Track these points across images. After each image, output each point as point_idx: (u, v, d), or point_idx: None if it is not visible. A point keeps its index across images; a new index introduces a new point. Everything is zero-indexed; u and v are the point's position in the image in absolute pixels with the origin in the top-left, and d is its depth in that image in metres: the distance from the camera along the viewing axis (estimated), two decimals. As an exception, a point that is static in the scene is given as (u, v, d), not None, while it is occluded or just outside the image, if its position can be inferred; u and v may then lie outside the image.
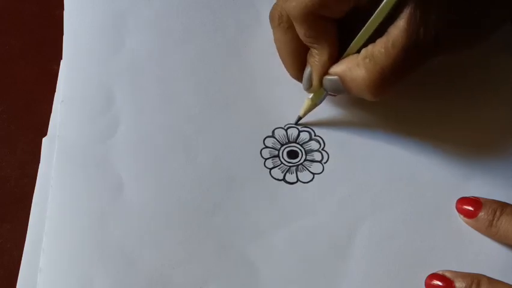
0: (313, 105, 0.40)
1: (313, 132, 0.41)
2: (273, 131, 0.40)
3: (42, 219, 0.37)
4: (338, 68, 0.37)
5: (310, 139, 0.40)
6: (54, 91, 0.42)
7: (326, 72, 0.38)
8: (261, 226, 0.37)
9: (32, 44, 0.45)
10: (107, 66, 0.42)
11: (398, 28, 0.34)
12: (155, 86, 0.42)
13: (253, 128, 0.40)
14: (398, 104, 0.41)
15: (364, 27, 0.36)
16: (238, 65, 0.42)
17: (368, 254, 0.36)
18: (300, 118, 0.40)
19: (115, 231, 0.36)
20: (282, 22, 0.38)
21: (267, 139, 0.40)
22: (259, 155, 0.40)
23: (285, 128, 0.41)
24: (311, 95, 0.39)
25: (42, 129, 0.41)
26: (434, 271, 0.35)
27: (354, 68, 0.36)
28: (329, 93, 0.39)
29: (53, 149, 0.39)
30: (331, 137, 0.40)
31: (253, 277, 0.36)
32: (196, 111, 0.41)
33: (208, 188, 0.38)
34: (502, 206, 0.36)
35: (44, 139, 0.40)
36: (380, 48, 0.35)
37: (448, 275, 0.35)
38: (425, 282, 0.35)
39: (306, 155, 0.40)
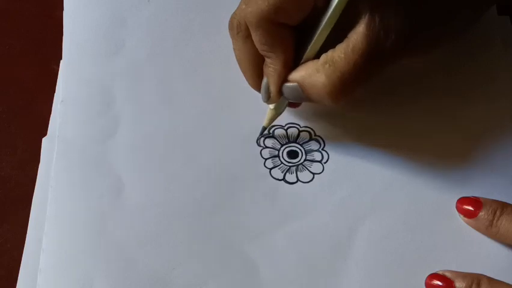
0: (277, 114, 0.39)
1: (313, 132, 0.41)
2: (273, 131, 0.40)
3: (42, 219, 0.37)
4: (296, 75, 0.36)
5: (310, 139, 0.40)
6: (54, 91, 0.42)
7: (282, 81, 0.37)
8: (261, 226, 0.37)
9: (32, 44, 0.45)
10: (107, 66, 0.42)
11: (358, 33, 0.34)
12: (155, 86, 0.42)
13: (253, 128, 0.40)
14: (397, 104, 0.41)
15: (318, 32, 0.35)
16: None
17: (368, 254, 0.36)
18: (264, 129, 0.40)
19: (115, 231, 0.36)
20: (240, 31, 0.37)
21: (267, 139, 0.40)
22: (259, 155, 0.40)
23: (285, 127, 0.41)
24: (273, 106, 0.39)
25: (42, 129, 0.41)
26: (434, 271, 0.35)
27: (313, 73, 0.35)
28: (289, 101, 0.39)
29: (53, 149, 0.39)
30: (331, 137, 0.40)
31: (253, 277, 0.36)
32: (196, 111, 0.41)
33: (208, 188, 0.38)
34: (502, 206, 0.36)
35: (44, 139, 0.40)
36: (340, 54, 0.34)
37: (448, 275, 0.35)
38: (425, 282, 0.35)
39: (306, 155, 0.40)
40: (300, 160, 0.40)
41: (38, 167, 0.39)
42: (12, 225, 0.38)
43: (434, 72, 0.42)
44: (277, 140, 0.40)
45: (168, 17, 0.44)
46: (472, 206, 0.37)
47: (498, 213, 0.36)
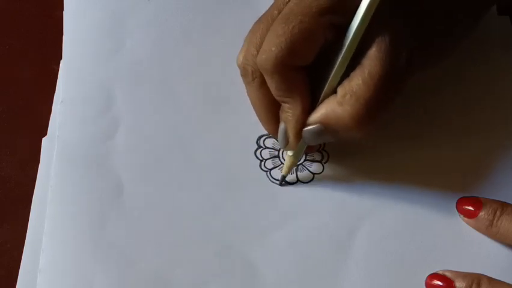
0: (296, 160, 0.38)
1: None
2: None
3: (42, 219, 0.37)
4: (317, 115, 0.35)
5: (305, 159, 0.40)
6: (54, 91, 0.42)
7: (301, 126, 0.36)
8: (261, 226, 0.37)
9: (32, 44, 0.45)
10: (107, 66, 0.42)
11: (371, 58, 0.33)
12: (155, 86, 0.42)
13: (253, 128, 0.40)
14: (397, 104, 0.41)
15: (335, 68, 0.34)
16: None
17: (368, 254, 0.36)
18: (284, 177, 0.39)
19: (115, 231, 0.36)
20: (256, 77, 0.36)
21: (267, 140, 0.40)
22: (260, 155, 0.40)
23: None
24: (291, 152, 0.38)
25: (42, 129, 0.41)
26: (434, 271, 0.35)
27: (336, 108, 0.34)
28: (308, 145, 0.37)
29: (53, 149, 0.39)
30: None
31: (253, 277, 0.36)
32: (196, 112, 0.41)
33: (208, 188, 0.38)
34: (502, 206, 0.36)
35: (44, 139, 0.40)
36: (358, 82, 0.33)
37: (448, 274, 0.35)
38: (425, 282, 0.35)
39: (306, 155, 0.40)
40: (300, 160, 0.40)
41: (38, 167, 0.39)
42: (12, 225, 0.38)
43: (433, 73, 0.42)
44: (277, 140, 0.40)
45: (168, 17, 0.44)
46: (472, 206, 0.37)
47: (498, 213, 0.36)
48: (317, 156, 0.40)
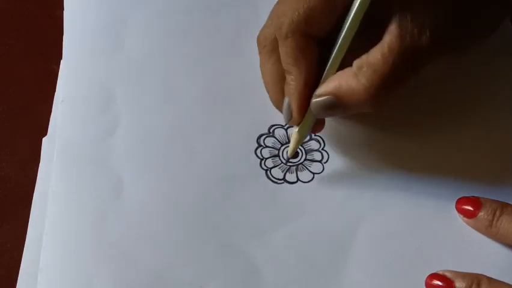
0: (302, 137, 0.38)
1: (314, 132, 0.41)
2: (273, 131, 0.40)
3: (42, 219, 0.37)
4: (329, 86, 0.35)
5: (311, 139, 0.40)
6: (54, 91, 0.42)
7: (304, 98, 0.36)
8: (261, 226, 0.37)
9: (32, 44, 0.45)
10: (107, 66, 0.42)
11: (391, 33, 0.33)
12: (155, 85, 0.42)
13: (253, 127, 0.40)
14: (398, 104, 0.41)
15: (340, 38, 0.34)
16: (238, 64, 0.42)
17: (368, 254, 0.36)
18: (293, 154, 0.39)
19: (115, 231, 0.36)
20: (266, 45, 0.37)
21: (267, 138, 0.40)
22: (260, 154, 0.40)
23: (285, 127, 0.41)
24: (297, 128, 0.37)
25: (42, 129, 0.41)
26: (434, 271, 0.35)
27: (350, 80, 0.34)
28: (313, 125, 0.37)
29: (53, 149, 0.39)
30: (331, 137, 0.40)
31: (253, 277, 0.36)
32: (196, 111, 0.41)
33: (208, 188, 0.38)
34: (502, 206, 0.36)
35: (44, 139, 0.40)
36: (377, 55, 0.34)
37: (448, 275, 0.35)
38: (425, 282, 0.35)
39: (306, 155, 0.40)
40: (300, 160, 0.40)
41: (38, 167, 0.39)
42: (12, 225, 0.38)
43: (433, 73, 0.42)
44: (277, 140, 0.40)
45: (168, 17, 0.44)
46: (471, 206, 0.37)
47: (498, 213, 0.36)
48: (317, 156, 0.40)
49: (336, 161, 0.39)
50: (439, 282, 0.35)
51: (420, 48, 0.34)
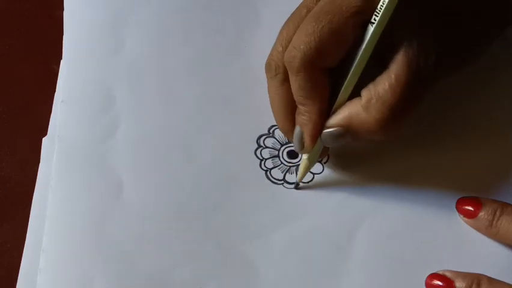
0: (311, 164, 0.38)
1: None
2: (273, 131, 0.40)
3: (42, 219, 0.37)
4: (339, 118, 0.35)
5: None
6: (54, 91, 0.42)
7: (317, 130, 0.36)
8: (261, 226, 0.37)
9: (32, 44, 0.45)
10: (107, 66, 0.42)
11: (398, 62, 0.33)
12: (155, 86, 0.42)
13: (253, 128, 0.40)
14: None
15: (352, 69, 0.34)
16: (238, 65, 0.42)
17: (368, 254, 0.36)
18: (298, 182, 0.38)
19: (115, 231, 0.37)
20: (278, 73, 0.36)
21: (267, 139, 0.40)
22: (260, 155, 0.40)
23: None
24: (307, 155, 0.37)
25: (42, 129, 0.41)
26: (434, 271, 0.35)
27: (360, 113, 0.34)
28: (324, 146, 0.37)
29: (53, 149, 0.39)
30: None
31: (253, 277, 0.36)
32: (196, 112, 0.41)
33: (208, 188, 0.38)
34: (502, 206, 0.36)
35: (44, 139, 0.40)
36: (384, 86, 0.33)
37: (448, 275, 0.35)
38: (425, 282, 0.35)
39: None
40: (300, 160, 0.40)
41: (38, 167, 0.39)
42: (12, 225, 0.38)
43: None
44: (277, 140, 0.40)
45: (168, 17, 0.44)
46: (471, 206, 0.37)
47: (498, 213, 0.36)
48: (317, 156, 0.40)
49: (336, 161, 0.39)
50: (439, 282, 0.35)
51: (427, 75, 0.34)
